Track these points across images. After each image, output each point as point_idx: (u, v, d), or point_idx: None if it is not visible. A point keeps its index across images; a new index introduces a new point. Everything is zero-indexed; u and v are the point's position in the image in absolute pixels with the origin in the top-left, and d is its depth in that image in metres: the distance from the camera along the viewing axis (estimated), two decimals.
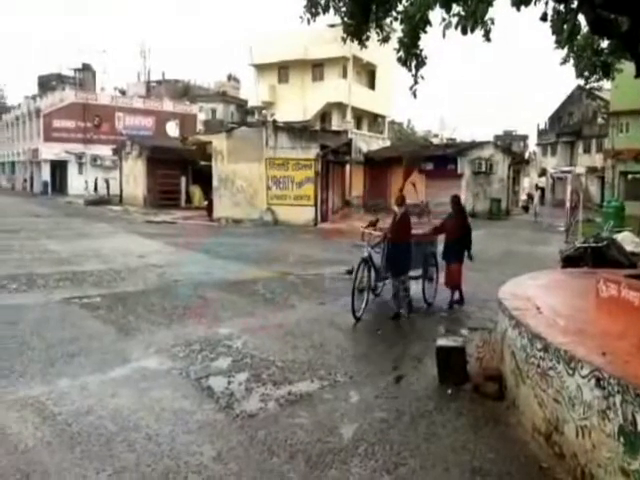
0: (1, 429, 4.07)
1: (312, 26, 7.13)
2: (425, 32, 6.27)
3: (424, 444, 4.06)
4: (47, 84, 52.55)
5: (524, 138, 74.62)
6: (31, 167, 45.71)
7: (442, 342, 5.41)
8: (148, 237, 16.94)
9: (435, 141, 47.65)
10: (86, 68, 51.60)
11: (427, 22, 6.08)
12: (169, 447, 3.87)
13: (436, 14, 5.89)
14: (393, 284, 7.80)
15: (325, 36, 30.32)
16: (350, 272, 9.26)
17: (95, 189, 34.51)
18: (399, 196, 8.00)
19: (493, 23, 5.51)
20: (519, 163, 36.93)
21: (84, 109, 41.81)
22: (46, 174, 42.46)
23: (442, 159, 29.40)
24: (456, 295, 8.51)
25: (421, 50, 6.63)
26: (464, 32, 5.26)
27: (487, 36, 5.48)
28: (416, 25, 6.14)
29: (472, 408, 4.74)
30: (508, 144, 53.60)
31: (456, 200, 8.82)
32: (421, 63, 6.73)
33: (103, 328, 6.85)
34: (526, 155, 57.46)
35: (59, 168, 42.41)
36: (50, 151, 41.27)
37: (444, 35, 5.38)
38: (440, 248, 8.85)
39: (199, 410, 4.52)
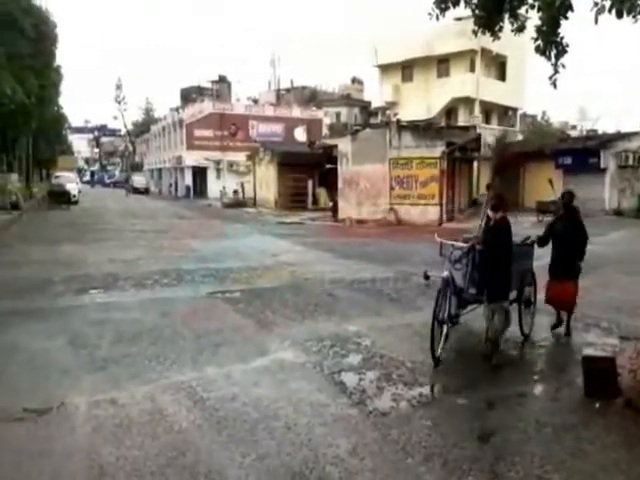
0: (159, 410, 4.52)
1: (436, 22, 6.88)
2: (566, 18, 5.82)
3: (570, 459, 3.79)
4: (188, 96, 57.46)
5: None
6: (175, 173, 50.31)
7: (589, 351, 5.02)
8: (279, 237, 17.79)
9: (573, 133, 43.84)
10: (222, 80, 55.90)
11: (569, 7, 5.65)
12: (307, 437, 4.05)
13: None
14: (486, 312, 5.92)
15: (451, 30, 29.50)
16: None
17: (236, 192, 36.99)
18: (494, 196, 6.16)
19: None
20: None
21: (221, 119, 45.10)
22: (188, 179, 46.51)
23: (582, 152, 27.07)
24: (564, 317, 6.89)
25: (562, 38, 6.17)
26: (619, 15, 4.77)
27: None
28: (556, 11, 5.74)
29: (624, 425, 4.34)
30: None
31: (570, 198, 6.98)
32: (562, 51, 6.25)
33: (243, 321, 7.33)
34: None
35: (199, 174, 46.18)
36: (192, 158, 45.11)
37: (596, 21, 4.93)
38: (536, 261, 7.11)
39: (333, 404, 4.66)
